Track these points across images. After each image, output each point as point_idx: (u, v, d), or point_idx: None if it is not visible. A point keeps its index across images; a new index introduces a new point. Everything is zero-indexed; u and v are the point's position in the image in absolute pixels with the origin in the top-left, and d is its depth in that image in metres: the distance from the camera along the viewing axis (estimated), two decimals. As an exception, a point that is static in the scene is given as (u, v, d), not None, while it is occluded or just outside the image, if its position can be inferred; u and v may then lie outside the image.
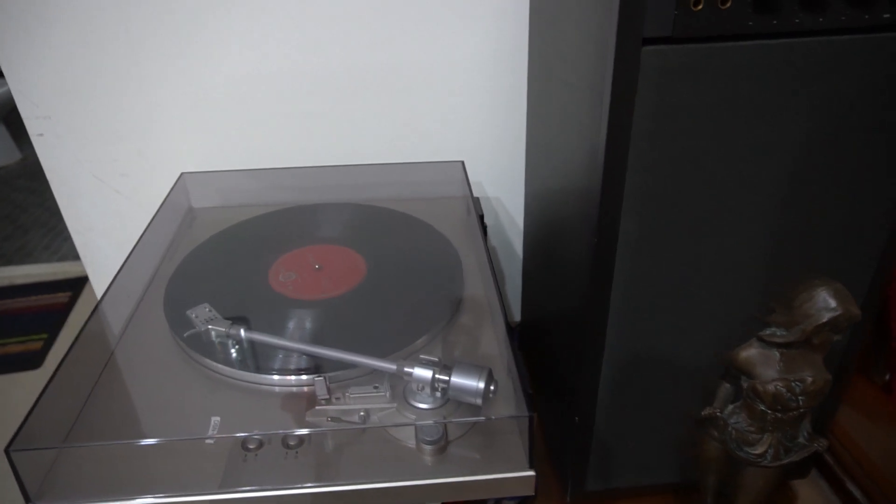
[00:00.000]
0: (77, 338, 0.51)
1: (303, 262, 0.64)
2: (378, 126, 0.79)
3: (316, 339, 0.54)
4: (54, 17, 0.68)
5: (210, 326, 0.52)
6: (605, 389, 0.61)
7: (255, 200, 0.77)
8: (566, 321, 0.64)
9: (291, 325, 0.56)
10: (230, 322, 0.52)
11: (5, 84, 0.70)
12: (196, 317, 0.53)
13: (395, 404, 0.48)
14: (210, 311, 0.54)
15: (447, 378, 0.46)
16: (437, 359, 0.48)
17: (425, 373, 0.47)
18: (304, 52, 0.73)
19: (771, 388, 0.48)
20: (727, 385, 0.54)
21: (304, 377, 0.50)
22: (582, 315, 0.57)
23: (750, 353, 0.50)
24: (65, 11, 0.68)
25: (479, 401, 0.46)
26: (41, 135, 0.74)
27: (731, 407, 0.53)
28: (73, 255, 2.50)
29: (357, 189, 0.77)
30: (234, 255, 0.66)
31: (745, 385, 0.51)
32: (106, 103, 0.74)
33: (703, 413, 0.54)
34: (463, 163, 0.77)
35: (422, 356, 0.48)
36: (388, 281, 0.61)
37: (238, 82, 0.74)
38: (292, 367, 0.51)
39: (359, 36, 0.73)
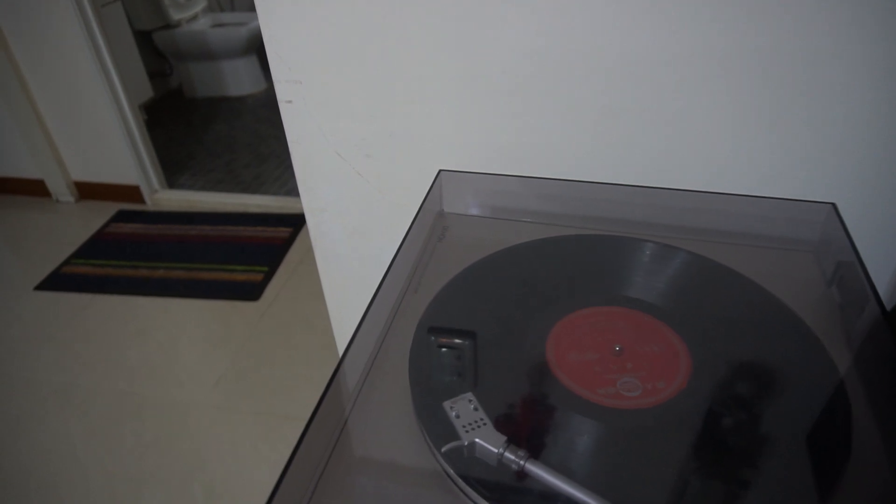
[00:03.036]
0: (315, 411, 0.37)
1: (595, 333, 0.45)
2: (712, 133, 0.55)
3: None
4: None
5: (479, 441, 0.35)
6: None
7: (527, 217, 0.59)
8: None
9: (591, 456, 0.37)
10: (512, 446, 0.35)
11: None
12: (457, 416, 0.37)
13: None
14: (476, 408, 0.37)
15: None
16: None
17: None
18: (611, 26, 0.52)
19: None
20: None
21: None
22: None
23: None
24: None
25: None
26: (290, 102, 0.63)
27: None
28: (297, 191, 2.62)
29: (678, 225, 0.56)
30: (503, 299, 0.49)
31: None
32: (364, 75, 0.60)
33: None
34: (834, 206, 0.52)
35: None
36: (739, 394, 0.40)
37: (518, 63, 0.56)
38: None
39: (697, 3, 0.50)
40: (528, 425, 0.39)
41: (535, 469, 0.34)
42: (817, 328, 0.46)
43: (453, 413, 0.37)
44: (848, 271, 0.49)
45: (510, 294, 0.50)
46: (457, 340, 0.45)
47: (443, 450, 0.36)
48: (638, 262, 0.53)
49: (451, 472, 0.36)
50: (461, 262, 0.52)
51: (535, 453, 0.35)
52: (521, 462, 0.34)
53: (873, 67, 0.51)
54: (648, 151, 0.58)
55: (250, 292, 1.98)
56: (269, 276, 2.05)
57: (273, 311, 1.89)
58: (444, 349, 0.44)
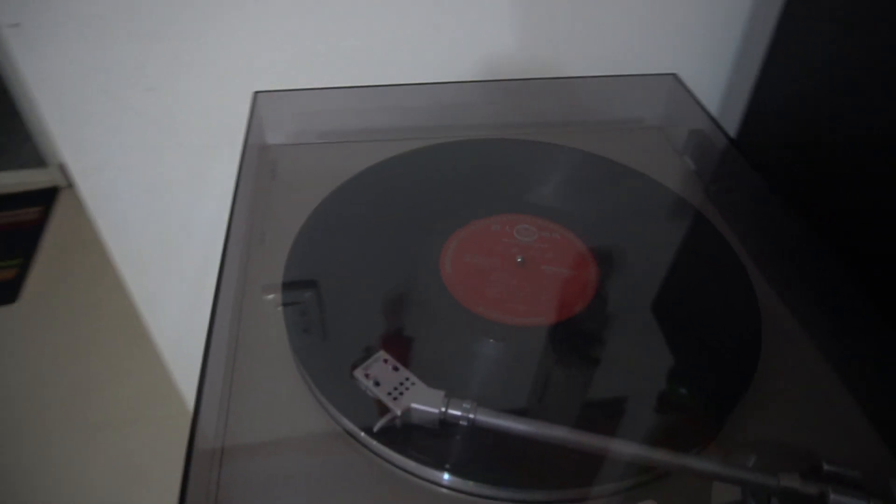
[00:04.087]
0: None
1: (492, 246, 0.40)
2: (546, 15, 0.51)
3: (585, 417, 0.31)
4: None
5: (414, 406, 0.29)
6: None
7: (365, 136, 0.50)
8: None
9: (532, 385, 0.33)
10: (453, 399, 0.29)
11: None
12: (376, 384, 0.30)
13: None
14: (396, 367, 0.30)
15: None
16: (858, 473, 0.27)
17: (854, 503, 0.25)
18: None
19: None
20: None
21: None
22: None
23: None
24: None
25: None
26: (17, 25, 0.45)
27: None
28: (36, 161, 2.15)
29: (521, 117, 0.52)
30: (372, 233, 0.41)
31: None
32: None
33: None
34: (676, 76, 0.51)
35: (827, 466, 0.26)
36: (650, 286, 0.38)
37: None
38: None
39: None
40: (442, 362, 0.33)
41: (487, 418, 0.29)
42: (694, 202, 0.46)
43: (371, 381, 0.30)
44: (700, 138, 0.49)
45: (381, 225, 0.42)
46: (332, 290, 0.37)
47: (375, 429, 0.29)
48: (509, 164, 0.49)
49: (360, 432, 0.29)
50: (307, 201, 0.43)
51: (456, 391, 0.29)
52: (471, 415, 0.29)
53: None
54: (484, 43, 0.52)
55: (2, 293, 1.62)
56: (24, 270, 1.69)
57: (41, 311, 1.58)
58: (320, 305, 0.36)
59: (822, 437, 0.32)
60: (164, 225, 0.61)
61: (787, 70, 0.47)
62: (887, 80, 0.38)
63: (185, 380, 0.79)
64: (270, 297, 0.37)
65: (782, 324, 0.37)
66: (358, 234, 0.41)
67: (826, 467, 0.27)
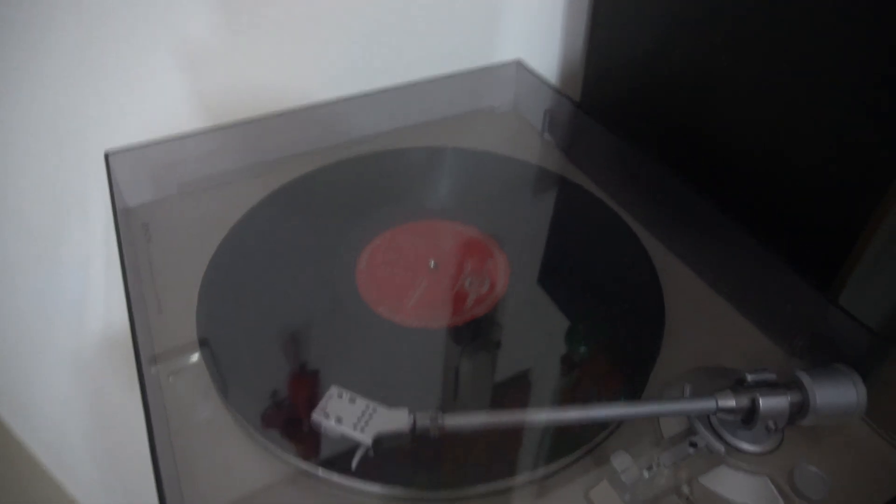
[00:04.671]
0: None
1: (402, 257, 0.40)
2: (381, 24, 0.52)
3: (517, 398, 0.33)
4: None
5: (382, 431, 0.28)
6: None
7: (237, 177, 0.48)
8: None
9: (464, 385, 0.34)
10: (418, 413, 0.29)
11: None
12: (338, 421, 0.29)
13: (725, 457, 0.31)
14: (353, 399, 0.30)
15: (806, 398, 0.29)
16: (772, 373, 0.31)
17: (778, 401, 0.29)
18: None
19: None
20: None
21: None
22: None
23: None
24: None
25: (856, 415, 0.30)
26: None
27: None
28: None
29: (383, 126, 0.52)
30: (279, 268, 0.40)
31: None
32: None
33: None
34: (520, 61, 0.55)
35: (740, 382, 0.30)
36: (557, 271, 0.41)
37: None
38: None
39: None
40: (374, 377, 0.34)
41: (454, 421, 0.29)
42: (568, 174, 0.49)
43: (332, 420, 0.29)
44: (553, 115, 0.53)
45: (286, 259, 0.41)
46: (252, 335, 0.36)
47: (353, 466, 0.28)
48: (396, 174, 0.49)
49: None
50: (191, 255, 0.40)
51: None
52: (440, 423, 0.29)
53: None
54: (331, 62, 0.52)
55: None
56: None
57: None
58: (242, 352, 0.35)
59: (732, 356, 0.36)
60: (15, 319, 0.54)
61: (610, 31, 0.52)
62: (697, 20, 0.44)
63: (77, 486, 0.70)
64: (193, 359, 0.35)
65: (672, 267, 0.42)
66: (264, 274, 0.40)
67: (749, 378, 0.31)
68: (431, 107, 0.55)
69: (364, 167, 0.49)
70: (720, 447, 0.31)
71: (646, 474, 0.29)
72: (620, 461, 0.29)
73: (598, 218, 0.45)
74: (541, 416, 0.30)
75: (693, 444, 0.30)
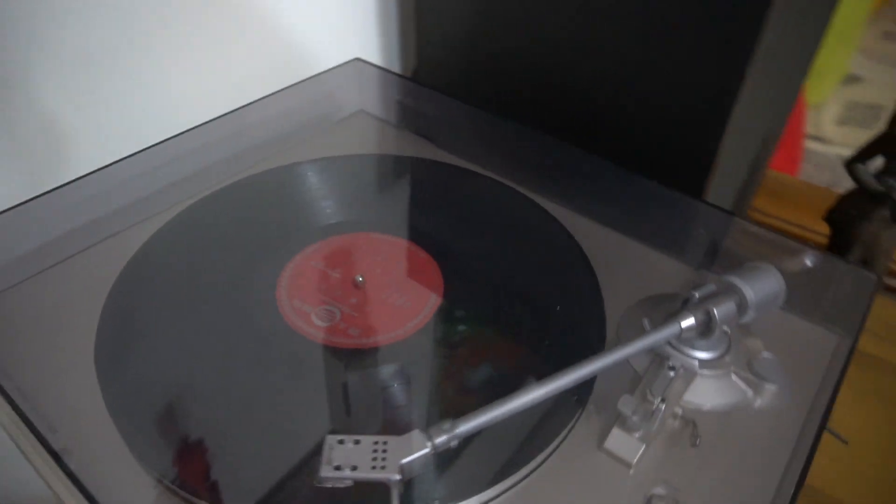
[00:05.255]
0: None
1: (324, 278, 0.37)
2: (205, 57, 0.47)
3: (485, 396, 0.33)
4: None
5: (405, 462, 0.26)
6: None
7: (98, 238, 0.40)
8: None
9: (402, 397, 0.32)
10: (430, 429, 0.27)
11: None
12: (354, 469, 0.26)
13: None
14: (357, 440, 0.27)
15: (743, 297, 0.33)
16: (711, 285, 0.34)
17: (728, 306, 0.33)
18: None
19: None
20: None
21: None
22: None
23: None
24: None
25: (781, 301, 0.35)
26: None
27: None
28: None
29: (242, 149, 0.47)
30: (200, 298, 0.35)
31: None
32: None
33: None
34: (359, 59, 0.53)
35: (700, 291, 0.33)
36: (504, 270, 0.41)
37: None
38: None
39: None
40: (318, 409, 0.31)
41: (469, 425, 0.28)
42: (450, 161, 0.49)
43: (346, 469, 0.26)
44: (407, 109, 0.53)
45: (196, 295, 0.36)
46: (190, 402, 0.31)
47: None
48: (297, 192, 0.45)
49: None
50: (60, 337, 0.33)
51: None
52: (456, 430, 0.28)
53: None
54: (170, 99, 0.46)
55: None
56: None
57: None
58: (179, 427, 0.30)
59: (666, 283, 0.39)
60: None
61: (438, 11, 0.52)
62: None
63: None
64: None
65: (580, 224, 0.44)
66: (172, 324, 0.34)
67: (696, 294, 0.33)
68: (278, 123, 0.51)
69: (251, 189, 0.45)
70: (693, 362, 0.33)
71: (657, 404, 0.30)
72: (627, 403, 0.30)
73: (487, 193, 0.45)
74: (539, 391, 0.30)
75: (671, 368, 0.33)
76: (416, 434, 0.27)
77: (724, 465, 0.30)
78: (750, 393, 0.33)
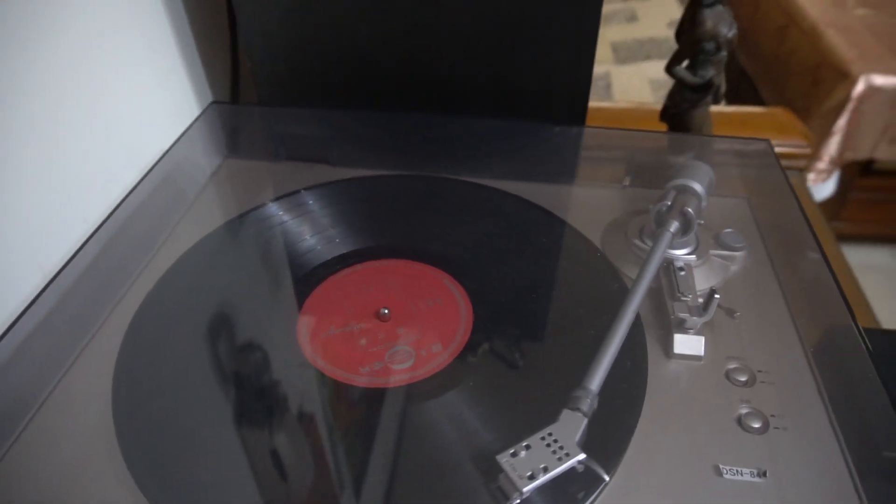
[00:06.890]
0: None
1: (347, 311, 0.35)
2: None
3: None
4: None
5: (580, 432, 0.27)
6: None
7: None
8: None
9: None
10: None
11: None
12: (545, 470, 0.26)
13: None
14: (527, 447, 0.27)
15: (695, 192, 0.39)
16: (670, 193, 0.40)
17: (694, 203, 0.38)
18: None
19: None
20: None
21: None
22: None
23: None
24: None
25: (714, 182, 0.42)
26: None
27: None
28: None
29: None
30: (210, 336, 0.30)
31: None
32: None
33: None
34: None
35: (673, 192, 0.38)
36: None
37: None
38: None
39: None
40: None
41: (596, 378, 0.30)
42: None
43: (540, 477, 0.26)
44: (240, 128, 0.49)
45: (215, 338, 0.31)
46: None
47: (605, 476, 0.26)
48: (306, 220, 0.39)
49: None
50: None
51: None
52: (591, 387, 0.29)
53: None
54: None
55: None
56: None
57: None
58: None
59: (616, 211, 0.44)
60: None
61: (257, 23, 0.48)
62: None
63: None
64: None
65: (534, 192, 0.46)
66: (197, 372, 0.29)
67: (666, 203, 0.39)
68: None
69: (248, 223, 0.38)
70: (690, 258, 0.39)
71: (708, 296, 0.34)
72: (680, 308, 0.34)
73: (463, 198, 0.45)
74: (626, 318, 0.32)
75: (681, 269, 0.38)
76: (566, 413, 0.28)
77: (752, 318, 0.36)
78: (728, 265, 0.40)
